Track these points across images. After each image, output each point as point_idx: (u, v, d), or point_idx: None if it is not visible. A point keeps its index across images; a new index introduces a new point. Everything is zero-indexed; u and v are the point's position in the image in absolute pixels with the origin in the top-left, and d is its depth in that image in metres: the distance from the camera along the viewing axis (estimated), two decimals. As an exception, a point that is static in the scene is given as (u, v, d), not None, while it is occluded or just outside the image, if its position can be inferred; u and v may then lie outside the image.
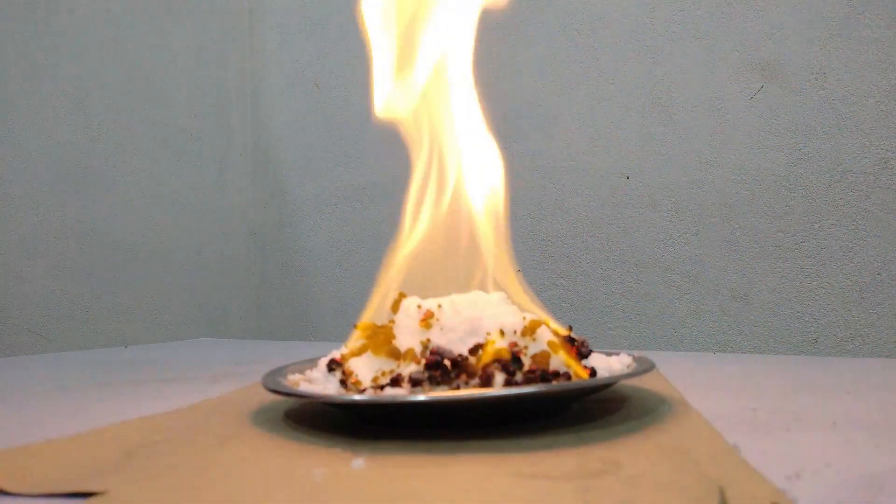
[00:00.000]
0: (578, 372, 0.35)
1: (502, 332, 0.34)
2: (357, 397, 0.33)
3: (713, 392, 0.43)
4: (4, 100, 0.86)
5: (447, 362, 0.33)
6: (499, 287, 0.40)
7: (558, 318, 0.40)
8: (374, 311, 0.39)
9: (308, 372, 0.39)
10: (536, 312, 0.39)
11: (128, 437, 0.34)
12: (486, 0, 0.44)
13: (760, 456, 0.27)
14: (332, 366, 0.36)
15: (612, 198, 0.86)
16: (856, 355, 0.72)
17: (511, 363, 0.33)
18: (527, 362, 0.34)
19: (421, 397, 0.31)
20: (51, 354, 0.84)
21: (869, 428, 0.32)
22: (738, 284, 0.78)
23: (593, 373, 0.35)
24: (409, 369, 0.34)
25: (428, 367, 0.33)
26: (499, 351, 0.33)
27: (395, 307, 0.38)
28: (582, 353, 0.37)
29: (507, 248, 0.42)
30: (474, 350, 0.34)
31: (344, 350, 0.38)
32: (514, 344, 0.34)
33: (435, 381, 0.33)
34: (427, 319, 0.35)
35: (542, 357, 0.33)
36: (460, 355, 0.33)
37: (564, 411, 0.36)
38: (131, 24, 1.00)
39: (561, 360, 0.34)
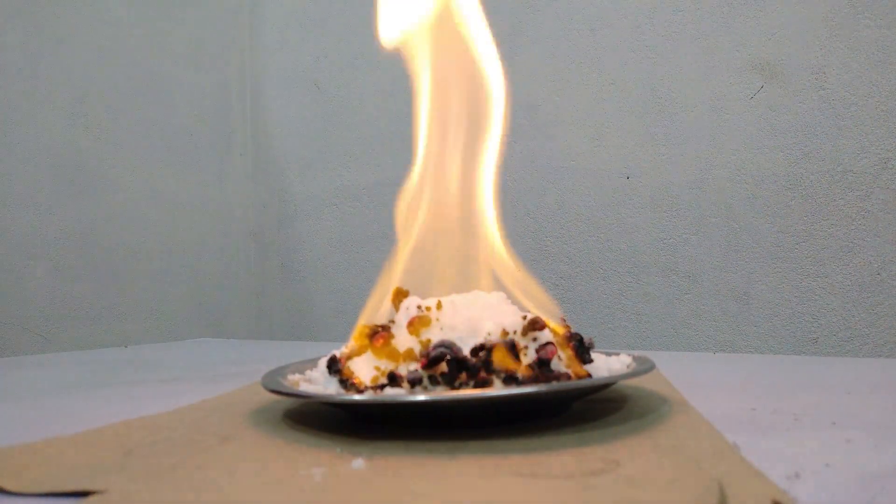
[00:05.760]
0: (578, 372, 0.35)
1: (505, 333, 0.34)
2: (357, 397, 0.33)
3: (713, 392, 0.43)
4: (4, 100, 0.86)
5: (448, 359, 0.33)
6: (501, 286, 0.40)
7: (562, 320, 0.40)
8: (372, 312, 0.39)
9: (308, 372, 0.39)
10: (536, 310, 0.39)
11: (128, 437, 0.34)
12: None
13: (760, 456, 0.27)
14: (332, 366, 0.36)
15: (612, 198, 0.86)
16: (856, 355, 0.72)
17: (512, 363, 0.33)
18: (525, 362, 0.34)
19: (421, 397, 0.31)
20: (51, 354, 0.84)
21: (869, 428, 0.32)
22: (738, 284, 0.78)
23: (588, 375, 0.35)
24: (408, 368, 0.34)
25: (431, 361, 0.32)
26: (504, 360, 0.33)
27: (396, 302, 0.38)
28: (584, 359, 0.37)
29: (507, 246, 0.42)
30: (475, 351, 0.34)
31: (344, 350, 0.38)
32: (515, 344, 0.34)
33: (435, 381, 0.33)
34: (415, 325, 0.35)
35: (548, 351, 0.33)
36: (463, 356, 0.33)
37: (564, 411, 0.36)
38: (131, 24, 1.00)
39: (561, 360, 0.34)
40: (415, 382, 0.32)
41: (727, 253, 0.79)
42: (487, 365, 0.33)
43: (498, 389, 0.32)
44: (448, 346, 0.33)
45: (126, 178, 0.98)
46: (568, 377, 0.34)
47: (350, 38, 1.07)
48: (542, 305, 0.39)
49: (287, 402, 0.41)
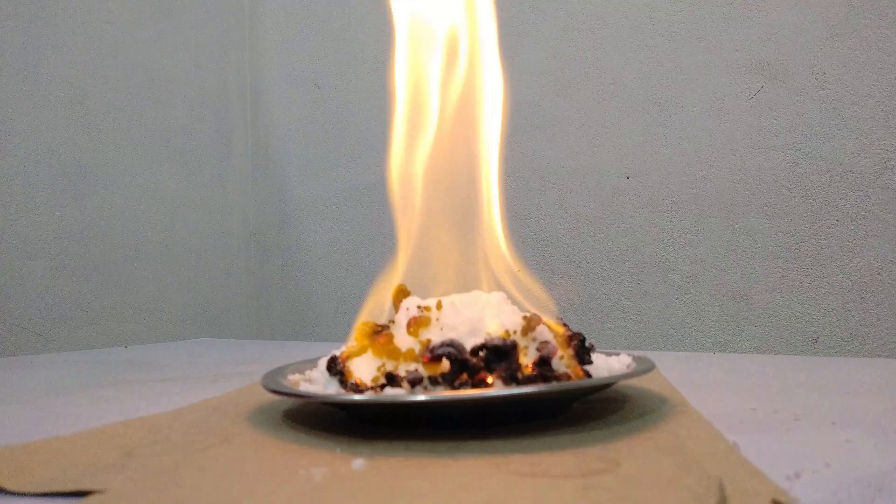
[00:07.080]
0: (578, 372, 0.35)
1: (507, 333, 0.34)
2: (357, 397, 0.33)
3: (713, 392, 0.43)
4: (4, 100, 0.86)
5: (449, 357, 0.32)
6: (501, 286, 0.40)
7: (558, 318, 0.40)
8: (371, 310, 0.39)
9: (308, 372, 0.39)
10: (533, 308, 0.39)
11: (128, 437, 0.34)
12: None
13: (760, 456, 0.27)
14: (332, 366, 0.36)
15: (612, 198, 0.86)
16: (856, 355, 0.72)
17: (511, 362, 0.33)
18: (526, 362, 0.34)
19: (421, 397, 0.31)
20: (51, 354, 0.84)
21: (869, 428, 0.32)
22: (738, 284, 0.78)
23: (588, 375, 0.35)
24: (407, 369, 0.34)
25: (435, 357, 0.32)
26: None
27: (396, 300, 0.38)
28: (584, 360, 0.37)
29: (509, 245, 0.42)
30: (475, 351, 0.34)
31: (344, 350, 0.38)
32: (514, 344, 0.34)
33: (435, 381, 0.33)
34: (414, 326, 0.35)
35: (550, 349, 0.33)
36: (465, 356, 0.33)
37: (564, 411, 0.36)
38: (131, 24, 1.00)
39: (562, 359, 0.34)
40: (415, 382, 0.32)
41: (727, 253, 0.79)
42: (488, 365, 0.33)
43: (498, 389, 0.32)
44: (455, 345, 0.33)
45: (126, 177, 0.98)
46: (568, 377, 0.34)
47: (350, 38, 1.07)
48: (539, 303, 0.39)
49: (287, 402, 0.41)
